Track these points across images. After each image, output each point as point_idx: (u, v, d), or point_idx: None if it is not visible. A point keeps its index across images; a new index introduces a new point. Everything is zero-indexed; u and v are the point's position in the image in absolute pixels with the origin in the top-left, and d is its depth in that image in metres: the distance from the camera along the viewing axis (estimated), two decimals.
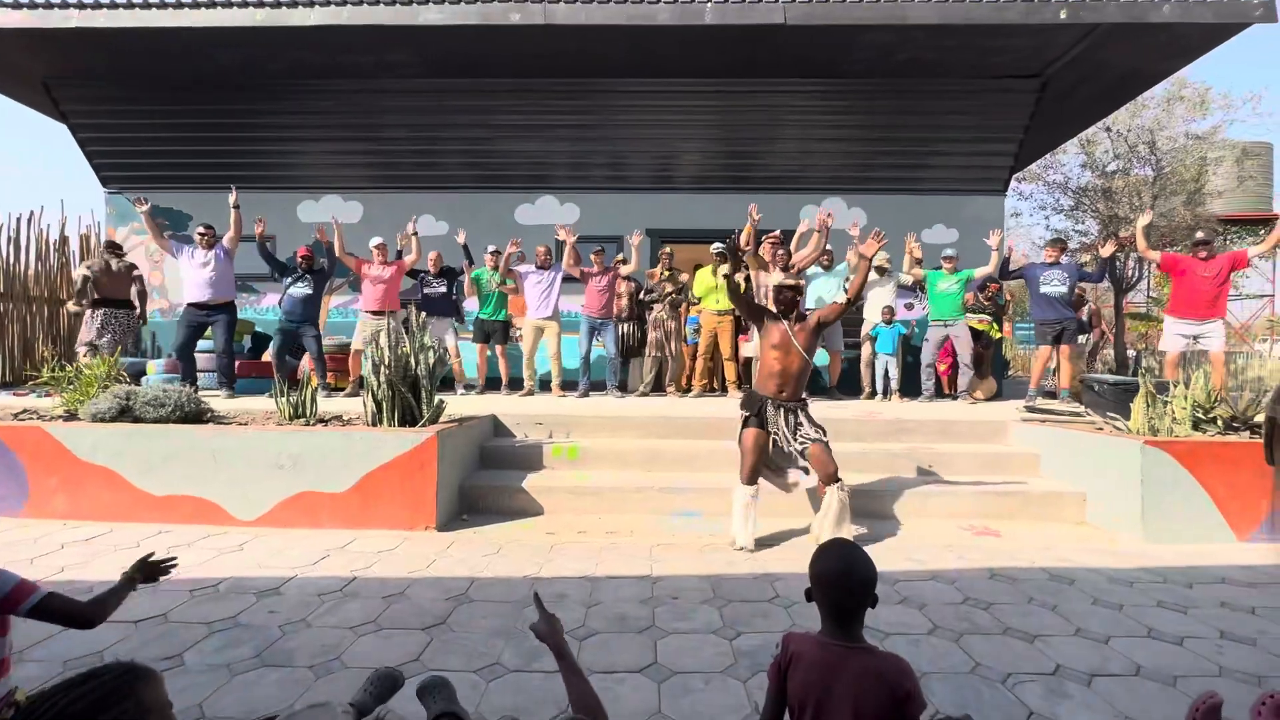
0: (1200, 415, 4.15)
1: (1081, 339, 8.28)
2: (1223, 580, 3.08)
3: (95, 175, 8.55)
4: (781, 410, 3.60)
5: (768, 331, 3.69)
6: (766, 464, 3.70)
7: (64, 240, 8.48)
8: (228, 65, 7.49)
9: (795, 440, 3.56)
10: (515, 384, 6.99)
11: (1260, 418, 4.23)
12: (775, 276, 3.70)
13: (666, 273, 6.86)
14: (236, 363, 6.77)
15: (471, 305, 7.23)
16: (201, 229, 6.21)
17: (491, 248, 6.93)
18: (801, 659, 1.30)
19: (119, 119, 8.12)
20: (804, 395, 3.74)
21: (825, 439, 3.56)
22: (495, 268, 6.82)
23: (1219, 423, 4.13)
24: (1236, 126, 12.98)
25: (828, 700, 1.24)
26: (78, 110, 8.12)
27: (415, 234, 6.70)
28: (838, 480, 3.45)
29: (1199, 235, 5.92)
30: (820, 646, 1.29)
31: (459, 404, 5.35)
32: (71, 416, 4.32)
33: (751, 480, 3.54)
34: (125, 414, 4.16)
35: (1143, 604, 2.77)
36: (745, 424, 3.64)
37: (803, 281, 3.68)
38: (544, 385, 6.97)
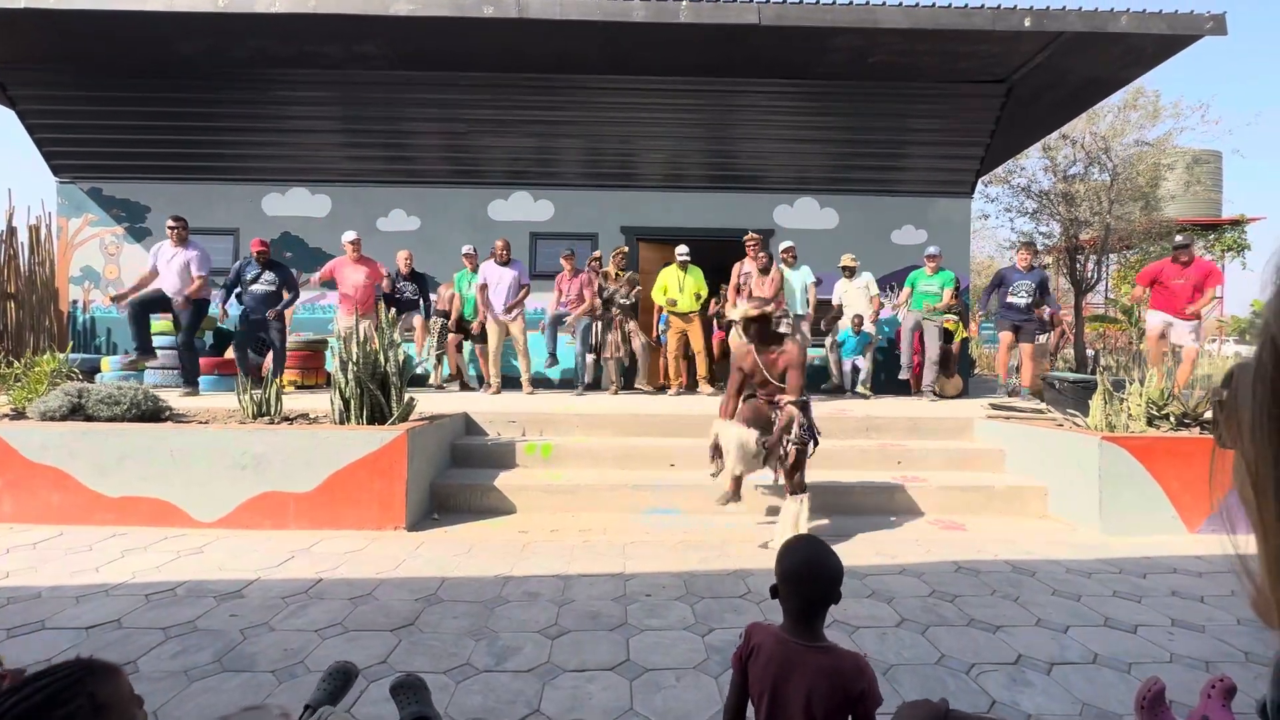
0: (1154, 412, 4.31)
1: (1042, 338, 8.52)
2: (1174, 570, 3.20)
3: (46, 164, 8.19)
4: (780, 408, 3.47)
5: (747, 366, 3.55)
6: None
7: (12, 231, 8.12)
8: (189, 52, 7.24)
9: (785, 439, 3.40)
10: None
11: (1210, 414, 4.42)
12: (741, 307, 3.59)
13: (620, 272, 6.75)
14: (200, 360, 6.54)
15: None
16: (171, 222, 5.93)
17: (466, 248, 6.84)
18: (761, 651, 1.31)
19: (72, 105, 7.79)
20: (806, 400, 3.53)
21: (809, 448, 3.43)
22: (475, 269, 6.73)
23: (1171, 419, 4.29)
24: (1186, 135, 13.47)
25: (782, 695, 1.26)
26: (28, 96, 7.77)
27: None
28: (804, 490, 3.40)
29: (1179, 239, 5.99)
30: (779, 642, 1.31)
31: (430, 401, 5.27)
32: (19, 415, 4.14)
33: (731, 416, 3.47)
34: (77, 412, 4.00)
35: (1100, 594, 2.87)
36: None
37: (769, 309, 3.53)
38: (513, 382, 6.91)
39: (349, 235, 6.48)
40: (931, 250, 6.90)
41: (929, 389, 6.76)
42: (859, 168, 8.35)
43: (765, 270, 6.39)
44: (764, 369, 3.47)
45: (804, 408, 3.45)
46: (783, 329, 3.46)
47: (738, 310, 3.50)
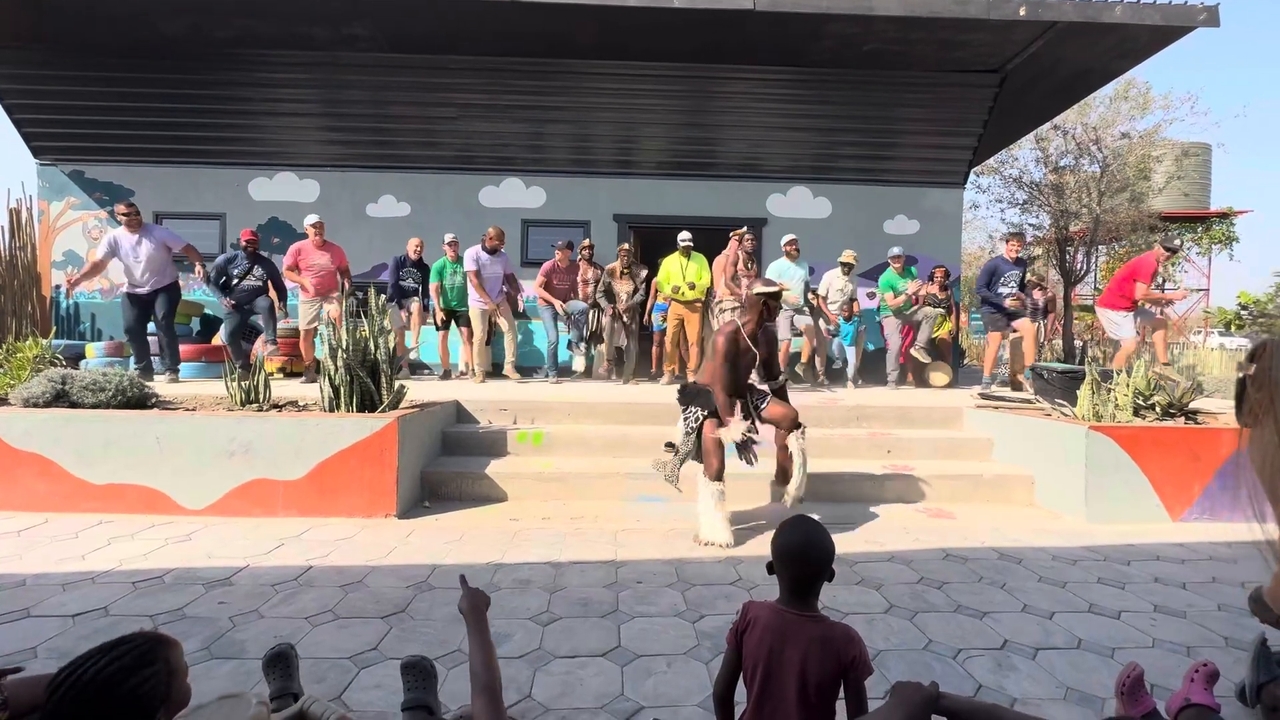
0: (1140, 402, 4.35)
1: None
2: (1157, 558, 3.25)
3: (26, 146, 8.02)
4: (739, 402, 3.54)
5: (735, 353, 3.49)
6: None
7: None
8: (171, 31, 7.08)
9: (756, 413, 3.56)
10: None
11: (1195, 404, 4.47)
12: (767, 283, 3.62)
13: (626, 270, 6.64)
14: (185, 346, 6.46)
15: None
16: (123, 209, 5.73)
17: (448, 237, 6.75)
18: (757, 623, 1.37)
19: (52, 85, 7.62)
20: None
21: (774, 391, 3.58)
22: (456, 259, 6.66)
23: (1157, 409, 4.34)
24: (1175, 126, 13.50)
25: (777, 662, 1.32)
26: (5, 75, 7.59)
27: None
28: (799, 426, 3.49)
29: (1176, 242, 6.23)
30: (775, 613, 1.37)
31: (421, 389, 5.24)
32: (1, 401, 4.08)
33: (719, 476, 3.38)
34: (61, 399, 3.94)
35: (1084, 581, 2.91)
36: (703, 420, 3.45)
37: (786, 286, 3.65)
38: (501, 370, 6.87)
39: (311, 218, 6.20)
40: (895, 251, 7.01)
41: (893, 378, 6.90)
42: (851, 156, 8.33)
43: (753, 255, 6.42)
44: (763, 347, 3.53)
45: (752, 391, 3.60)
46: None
47: (768, 287, 3.49)
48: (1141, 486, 3.89)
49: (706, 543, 3.29)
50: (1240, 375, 0.42)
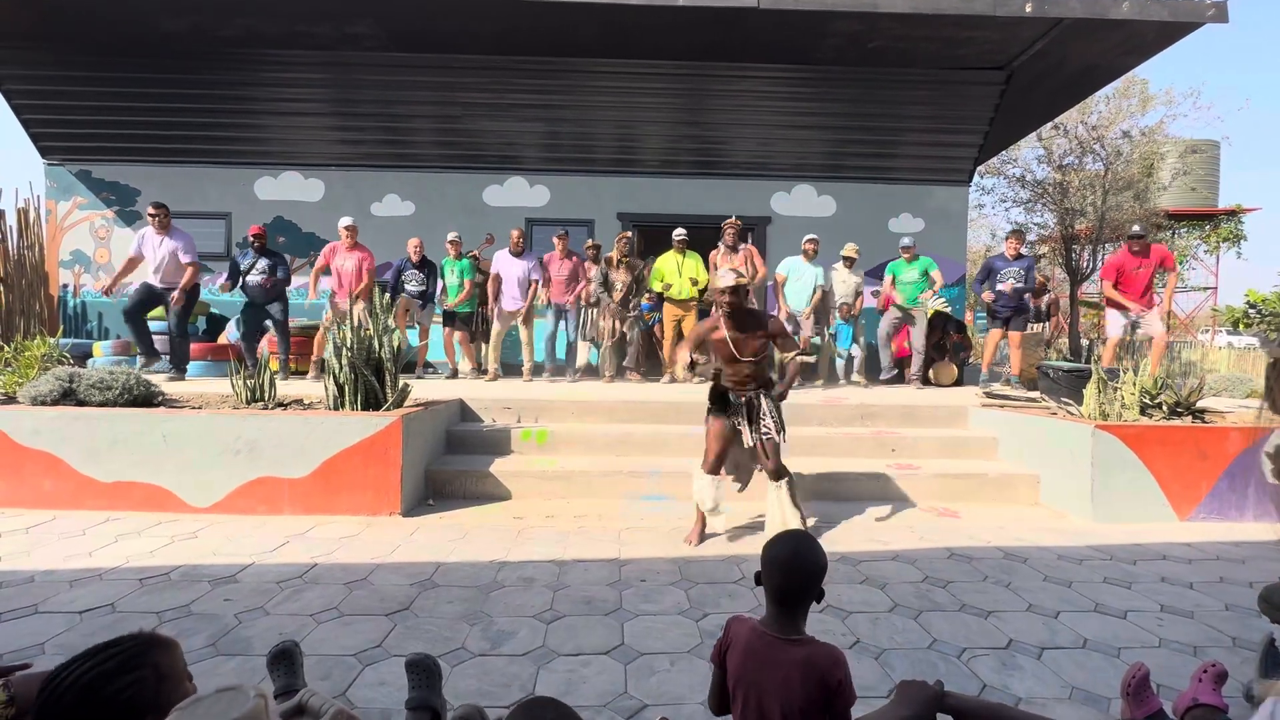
0: (1147, 401, 4.33)
1: (1037, 327, 8.55)
2: (1164, 557, 3.23)
3: (33, 145, 8.07)
4: (743, 400, 3.38)
5: (712, 345, 3.41)
6: (734, 460, 3.52)
7: None
8: (174, 30, 7.09)
9: (754, 433, 3.34)
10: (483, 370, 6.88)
11: (1203, 403, 4.44)
12: (723, 276, 3.44)
13: (624, 259, 6.52)
14: (191, 345, 6.48)
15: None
16: (151, 210, 5.81)
17: (451, 235, 6.73)
18: (737, 643, 1.32)
19: (58, 85, 7.66)
20: (769, 379, 3.48)
21: (780, 437, 3.35)
22: (457, 257, 6.64)
23: (1164, 408, 4.31)
24: (1179, 122, 13.50)
25: (756, 687, 1.27)
26: (12, 75, 7.63)
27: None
28: (784, 476, 3.31)
29: (1135, 229, 6.15)
30: (755, 634, 1.31)
31: (425, 388, 5.25)
32: (10, 400, 4.10)
33: (714, 471, 3.37)
34: (68, 397, 3.96)
35: (1090, 580, 2.89)
36: (710, 412, 3.44)
37: (744, 280, 3.43)
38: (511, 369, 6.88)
39: (344, 221, 6.34)
40: (905, 242, 6.91)
41: (916, 378, 6.79)
42: (856, 155, 8.30)
43: (734, 248, 6.36)
44: (734, 346, 3.28)
45: (779, 398, 3.41)
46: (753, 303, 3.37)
47: (723, 279, 3.35)
48: (1148, 485, 3.87)
49: (704, 514, 3.38)
50: (1271, 358, 0.41)
